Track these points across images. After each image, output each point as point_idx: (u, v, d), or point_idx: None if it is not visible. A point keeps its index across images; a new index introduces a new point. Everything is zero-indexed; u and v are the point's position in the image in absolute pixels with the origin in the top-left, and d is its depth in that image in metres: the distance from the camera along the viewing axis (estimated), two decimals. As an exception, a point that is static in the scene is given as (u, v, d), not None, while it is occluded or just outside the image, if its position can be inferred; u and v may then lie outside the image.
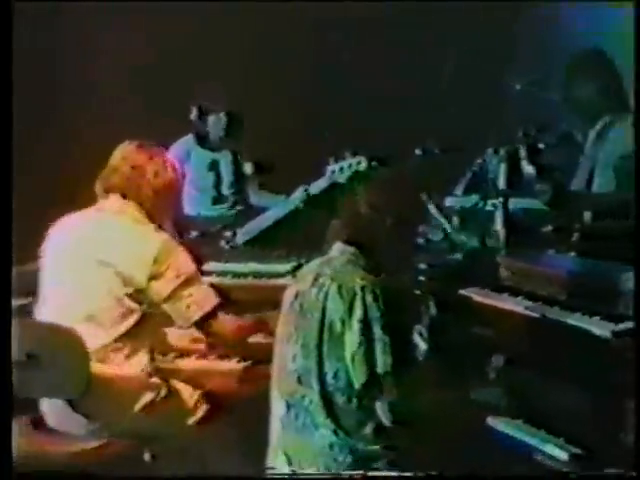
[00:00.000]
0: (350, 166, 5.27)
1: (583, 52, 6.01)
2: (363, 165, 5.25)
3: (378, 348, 3.61)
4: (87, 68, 7.34)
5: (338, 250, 3.84)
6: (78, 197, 4.53)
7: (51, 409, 4.21)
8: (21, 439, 4.03)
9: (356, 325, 3.61)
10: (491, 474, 3.75)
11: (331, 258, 3.84)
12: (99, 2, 7.30)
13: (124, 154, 4.42)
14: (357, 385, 3.60)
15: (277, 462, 3.72)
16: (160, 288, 4.26)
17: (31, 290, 4.40)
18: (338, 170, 5.31)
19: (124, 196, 4.37)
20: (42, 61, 7.14)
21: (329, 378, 3.65)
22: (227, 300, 4.49)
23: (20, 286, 4.32)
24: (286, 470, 3.69)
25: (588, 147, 5.65)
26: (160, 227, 4.44)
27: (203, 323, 4.35)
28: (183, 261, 4.31)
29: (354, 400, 3.65)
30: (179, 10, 7.31)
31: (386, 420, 3.63)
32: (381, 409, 3.63)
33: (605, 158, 5.51)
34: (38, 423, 4.24)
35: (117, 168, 4.40)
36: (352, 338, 3.61)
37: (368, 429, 3.64)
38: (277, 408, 3.77)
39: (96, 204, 4.43)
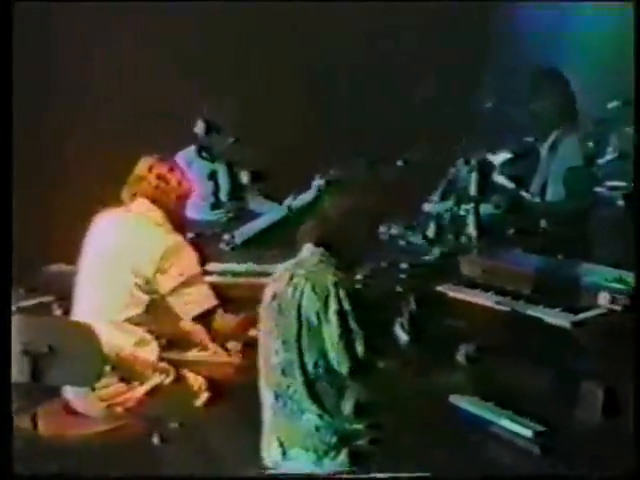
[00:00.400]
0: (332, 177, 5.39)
1: (540, 71, 6.03)
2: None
3: (355, 338, 3.64)
4: (91, 77, 7.23)
5: (309, 251, 3.83)
6: (97, 204, 4.62)
7: (75, 394, 4.30)
8: (49, 423, 4.18)
9: (333, 318, 3.63)
10: (461, 451, 3.79)
11: (303, 259, 3.83)
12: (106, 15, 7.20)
13: (150, 165, 4.56)
14: (344, 371, 3.63)
15: (271, 447, 3.76)
16: (164, 282, 4.36)
17: (53, 289, 4.47)
18: (325, 184, 5.42)
19: (152, 200, 4.50)
20: (45, 75, 7.07)
21: (310, 368, 3.67)
22: (226, 297, 4.55)
23: (43, 285, 4.45)
24: (279, 454, 3.72)
25: (542, 159, 5.68)
26: (180, 228, 4.56)
27: (202, 320, 4.42)
28: (188, 262, 4.40)
29: (335, 386, 3.68)
30: (180, 23, 7.24)
31: (365, 399, 3.67)
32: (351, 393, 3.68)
33: (556, 169, 5.54)
34: (66, 407, 4.32)
35: (144, 177, 4.53)
36: (331, 330, 3.64)
37: (348, 409, 3.67)
38: (266, 397, 3.80)
39: (124, 206, 4.56)
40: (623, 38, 7.68)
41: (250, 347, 4.40)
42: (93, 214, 4.52)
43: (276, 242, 5.42)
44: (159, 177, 4.53)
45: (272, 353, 3.75)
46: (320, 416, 3.66)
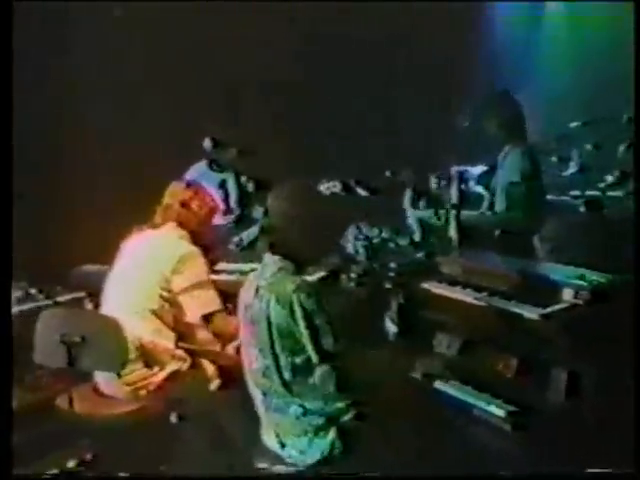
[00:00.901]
0: (328, 189, 5.30)
1: (491, 92, 6.10)
2: (338, 187, 5.24)
3: (322, 333, 3.61)
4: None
5: (269, 259, 3.76)
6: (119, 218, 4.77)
7: (103, 378, 4.39)
8: (83, 403, 4.26)
9: (300, 321, 3.59)
10: (442, 429, 3.82)
11: (264, 269, 3.76)
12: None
13: (172, 193, 4.76)
14: (315, 362, 3.61)
15: (269, 438, 3.78)
16: (178, 282, 4.47)
17: (84, 286, 4.58)
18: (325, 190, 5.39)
19: (179, 223, 4.68)
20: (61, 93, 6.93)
21: (286, 371, 3.65)
22: (234, 294, 4.43)
23: (77, 283, 4.53)
24: (277, 444, 3.72)
25: (496, 174, 5.72)
26: (197, 237, 4.68)
27: (207, 319, 4.52)
28: (200, 268, 4.54)
29: (311, 376, 3.65)
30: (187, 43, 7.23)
31: (342, 381, 3.63)
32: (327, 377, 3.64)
33: (501, 183, 5.58)
34: (96, 390, 4.39)
35: (170, 205, 4.71)
36: (300, 331, 3.61)
37: (331, 393, 3.64)
38: (256, 395, 3.82)
39: (157, 228, 4.70)
40: (587, 62, 7.82)
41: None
42: (115, 226, 4.66)
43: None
44: (183, 204, 4.71)
45: (253, 360, 3.75)
46: (302, 405, 3.68)
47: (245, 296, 3.80)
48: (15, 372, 3.92)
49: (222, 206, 6.28)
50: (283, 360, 3.65)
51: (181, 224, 4.66)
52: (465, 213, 5.18)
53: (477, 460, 3.73)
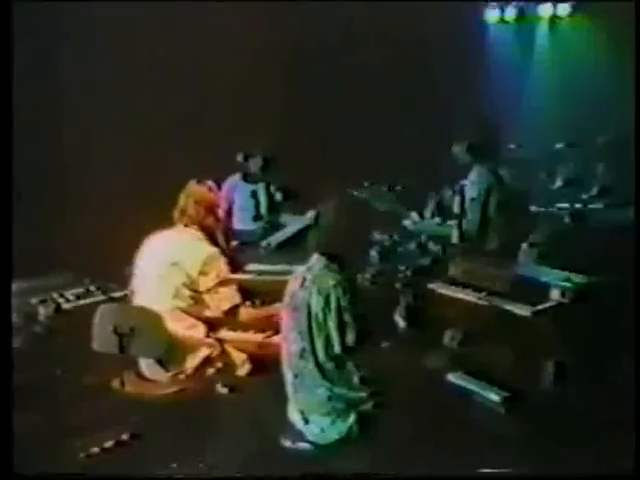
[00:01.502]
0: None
1: (460, 118, 6.14)
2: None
3: (347, 328, 3.70)
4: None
5: (317, 258, 3.84)
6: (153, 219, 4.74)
7: (146, 364, 4.41)
8: (132, 385, 4.29)
9: (333, 313, 3.69)
10: (445, 411, 3.81)
11: (311, 265, 3.84)
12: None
13: (187, 193, 4.65)
14: (338, 352, 3.69)
15: (294, 415, 3.82)
16: (204, 282, 4.48)
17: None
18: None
19: (196, 224, 4.60)
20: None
21: (320, 353, 3.73)
22: (263, 291, 4.59)
23: (123, 280, 4.60)
24: (301, 420, 3.76)
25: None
26: (214, 239, 4.63)
27: (230, 312, 4.53)
28: (223, 267, 4.53)
29: (341, 365, 3.73)
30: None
31: (366, 373, 3.72)
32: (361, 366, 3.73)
33: (466, 198, 5.51)
34: (140, 375, 4.40)
35: (184, 207, 4.62)
36: (332, 323, 3.70)
37: (355, 382, 3.72)
38: (288, 377, 3.85)
39: (175, 227, 4.65)
40: (571, 87, 7.85)
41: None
42: (151, 229, 4.62)
43: (300, 245, 5.28)
44: (196, 202, 4.60)
45: (291, 342, 3.81)
46: (330, 389, 3.73)
47: (292, 286, 3.89)
48: (79, 357, 4.03)
49: (248, 206, 6.35)
50: (318, 344, 3.73)
51: (204, 228, 4.59)
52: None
53: (476, 439, 3.72)
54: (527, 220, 5.43)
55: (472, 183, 5.40)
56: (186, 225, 4.58)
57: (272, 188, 6.58)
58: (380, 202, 5.17)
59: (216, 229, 4.68)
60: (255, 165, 6.49)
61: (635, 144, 5.85)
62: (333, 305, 3.70)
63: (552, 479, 3.62)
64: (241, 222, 6.47)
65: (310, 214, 5.56)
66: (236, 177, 6.54)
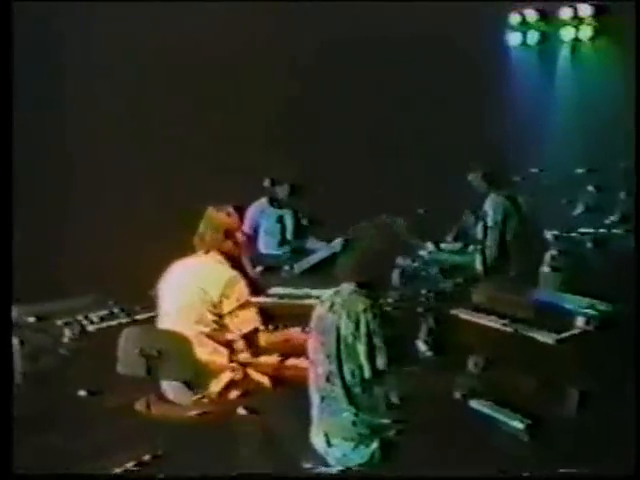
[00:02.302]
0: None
1: (474, 147, 6.18)
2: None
3: (378, 352, 3.70)
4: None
5: (346, 284, 3.87)
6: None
7: (171, 387, 4.40)
8: (157, 407, 4.30)
9: (363, 338, 3.70)
10: (469, 438, 3.77)
11: (339, 290, 3.88)
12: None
13: (206, 220, 4.66)
14: (368, 377, 3.69)
15: (318, 438, 3.82)
16: (226, 305, 4.48)
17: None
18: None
19: (219, 250, 4.60)
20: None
21: (347, 377, 3.72)
22: (286, 314, 4.65)
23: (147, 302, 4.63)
24: (324, 443, 3.76)
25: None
26: (236, 263, 4.65)
27: (250, 336, 4.52)
28: (243, 291, 4.53)
29: (367, 390, 3.73)
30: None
31: (396, 400, 3.72)
32: (390, 396, 3.72)
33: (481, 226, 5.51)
34: (161, 397, 4.40)
35: (203, 234, 4.63)
36: (362, 347, 3.70)
37: (381, 408, 3.71)
38: (314, 399, 3.85)
39: (196, 254, 4.66)
40: (590, 113, 7.84)
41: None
42: (175, 251, 4.66)
43: (325, 272, 5.38)
44: (214, 229, 4.61)
45: (319, 365, 3.82)
46: (356, 414, 3.72)
47: (320, 310, 3.91)
48: (102, 380, 4.05)
49: (274, 231, 6.35)
50: (346, 368, 3.74)
51: (223, 253, 4.59)
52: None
53: (499, 466, 3.70)
54: (546, 246, 5.38)
55: (488, 211, 5.41)
56: (206, 252, 4.60)
57: (299, 214, 6.62)
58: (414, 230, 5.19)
59: (235, 253, 4.68)
60: (282, 192, 6.52)
61: (635, 163, 5.83)
62: (363, 330, 3.70)
63: (552, 479, 3.63)
64: (267, 246, 6.52)
65: (337, 241, 5.65)
66: (263, 201, 6.58)
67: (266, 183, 6.50)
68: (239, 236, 4.71)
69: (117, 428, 4.11)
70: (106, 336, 4.66)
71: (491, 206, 5.43)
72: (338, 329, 3.74)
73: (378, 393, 3.73)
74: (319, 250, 5.92)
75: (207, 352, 4.41)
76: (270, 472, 3.90)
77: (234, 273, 4.55)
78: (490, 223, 5.33)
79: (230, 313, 4.47)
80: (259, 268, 5.54)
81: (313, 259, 5.80)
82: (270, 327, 4.57)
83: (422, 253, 5.47)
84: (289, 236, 6.59)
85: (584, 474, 3.56)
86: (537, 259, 5.05)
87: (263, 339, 4.53)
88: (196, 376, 4.34)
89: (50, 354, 4.67)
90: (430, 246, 5.63)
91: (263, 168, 6.51)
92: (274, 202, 6.60)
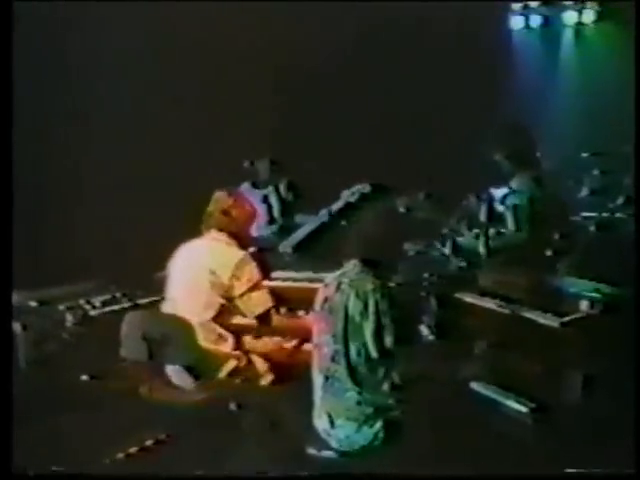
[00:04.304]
0: (358, 190, 5.47)
1: (503, 126, 5.99)
2: (367, 189, 5.44)
3: (386, 332, 3.71)
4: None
5: (353, 264, 3.86)
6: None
7: (174, 372, 4.39)
8: (160, 392, 4.30)
9: (371, 317, 3.71)
10: (473, 422, 3.80)
11: (347, 270, 3.86)
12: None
13: (215, 201, 4.67)
14: (374, 356, 3.70)
15: (321, 418, 3.82)
16: (237, 287, 4.47)
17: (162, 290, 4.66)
18: (350, 194, 5.50)
19: (220, 229, 4.61)
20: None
21: (353, 357, 3.73)
22: (288, 298, 4.62)
23: (156, 287, 4.62)
24: (327, 424, 3.75)
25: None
26: (244, 244, 4.65)
27: (263, 316, 4.52)
28: (254, 272, 4.52)
29: (372, 370, 3.73)
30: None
31: (397, 379, 3.72)
32: (394, 376, 3.72)
33: (510, 206, 5.39)
34: (168, 382, 4.39)
35: (212, 213, 4.64)
36: (369, 326, 3.71)
37: (385, 388, 3.71)
38: (317, 380, 3.84)
39: (203, 236, 4.65)
40: (599, 99, 7.79)
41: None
42: (177, 237, 4.66)
43: (318, 245, 5.46)
44: (223, 212, 4.62)
45: (324, 345, 3.81)
46: (360, 393, 3.72)
47: (326, 291, 3.89)
48: (105, 364, 4.05)
49: (260, 212, 6.14)
50: (352, 347, 3.73)
51: (222, 230, 4.58)
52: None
53: (502, 450, 3.71)
54: (565, 230, 5.30)
55: (515, 191, 5.34)
56: (207, 230, 4.58)
57: (282, 190, 6.51)
58: (418, 210, 5.12)
59: (245, 237, 4.68)
60: (263, 168, 6.45)
61: (634, 148, 5.80)
62: (372, 309, 3.72)
63: (552, 479, 3.63)
64: (256, 229, 6.14)
65: (323, 212, 5.61)
66: (245, 185, 6.46)
67: (246, 164, 6.41)
68: (235, 213, 4.64)
69: (120, 412, 4.09)
70: (108, 321, 4.66)
71: (517, 186, 5.36)
72: (346, 308, 3.75)
73: (383, 373, 3.72)
74: (305, 223, 5.79)
75: (213, 338, 4.40)
76: (272, 456, 3.87)
77: (243, 253, 4.54)
78: (516, 202, 5.26)
79: (241, 295, 4.45)
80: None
81: (303, 232, 5.66)
82: (282, 310, 4.56)
83: (444, 230, 5.37)
84: (276, 214, 6.49)
85: (584, 473, 3.53)
86: (555, 243, 5.00)
87: (276, 322, 4.52)
88: (200, 363, 4.34)
89: (53, 339, 4.68)
90: (452, 222, 5.48)
91: (260, 151, 6.48)
92: (256, 183, 6.49)
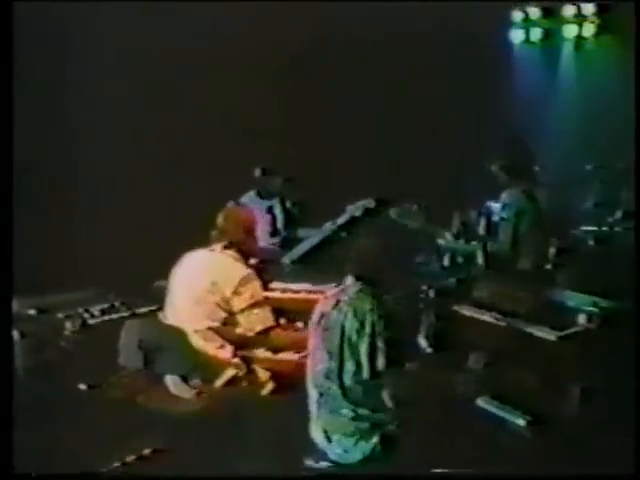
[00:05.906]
0: (363, 205, 5.53)
1: (503, 138, 6.10)
2: (372, 204, 5.48)
3: (378, 354, 3.72)
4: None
5: (352, 282, 3.88)
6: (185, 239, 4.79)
7: (172, 381, 4.38)
8: (158, 400, 4.29)
9: (367, 338, 3.72)
10: (470, 434, 3.80)
11: (346, 287, 3.87)
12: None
13: (225, 216, 4.68)
14: (366, 376, 3.72)
15: (317, 434, 3.82)
16: (238, 302, 4.48)
17: (160, 300, 4.67)
18: (355, 208, 5.54)
19: (230, 243, 4.61)
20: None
21: (347, 375, 3.75)
22: (287, 309, 4.62)
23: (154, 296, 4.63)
24: (324, 439, 3.75)
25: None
26: (248, 257, 4.65)
27: (263, 333, 4.53)
28: (257, 289, 4.55)
29: (364, 389, 3.73)
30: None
31: (389, 403, 3.72)
32: (385, 395, 3.73)
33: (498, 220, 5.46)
34: (166, 391, 4.38)
35: (224, 227, 4.64)
36: (363, 346, 3.72)
37: (378, 406, 3.71)
38: (312, 395, 3.85)
39: (211, 246, 4.65)
40: (599, 112, 7.81)
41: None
42: (176, 247, 4.66)
43: (320, 258, 5.51)
44: (235, 227, 4.63)
45: (318, 362, 3.82)
46: (354, 410, 3.73)
47: (323, 307, 3.91)
48: (104, 372, 4.04)
49: (261, 224, 6.27)
50: (347, 365, 3.74)
51: (231, 244, 4.59)
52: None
53: (500, 463, 3.70)
54: (563, 243, 5.32)
55: (504, 204, 5.36)
56: (226, 247, 4.59)
57: (288, 203, 6.53)
58: (411, 221, 5.13)
59: (252, 251, 4.70)
60: (274, 184, 6.47)
61: (635, 161, 5.81)
62: (368, 329, 3.73)
63: (553, 479, 3.63)
64: (260, 239, 6.28)
65: (326, 226, 5.65)
66: (251, 194, 6.49)
67: (257, 173, 6.43)
68: (246, 229, 4.67)
69: (118, 421, 4.09)
70: (107, 329, 4.67)
71: (507, 200, 5.39)
72: (343, 327, 3.75)
73: (375, 393, 3.73)
74: (310, 237, 5.83)
75: (213, 347, 4.41)
76: (270, 466, 3.86)
77: (249, 271, 4.56)
78: (504, 216, 5.29)
79: (242, 311, 4.47)
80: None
81: (306, 245, 5.71)
82: (282, 321, 4.56)
83: (441, 241, 5.41)
84: (280, 226, 6.50)
85: (584, 474, 3.54)
86: (550, 256, 5.03)
87: (276, 337, 4.52)
88: (198, 371, 4.35)
89: (51, 347, 4.68)
90: (448, 235, 5.51)
91: (260, 162, 6.47)
92: (262, 193, 6.50)
